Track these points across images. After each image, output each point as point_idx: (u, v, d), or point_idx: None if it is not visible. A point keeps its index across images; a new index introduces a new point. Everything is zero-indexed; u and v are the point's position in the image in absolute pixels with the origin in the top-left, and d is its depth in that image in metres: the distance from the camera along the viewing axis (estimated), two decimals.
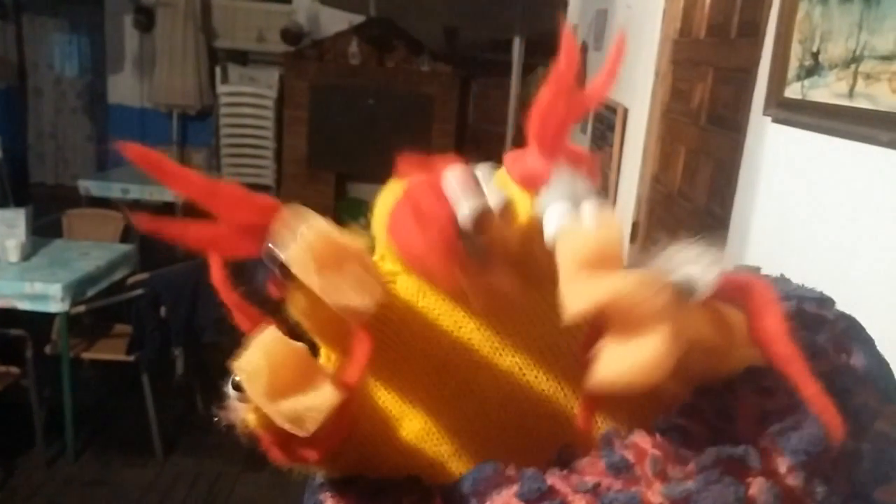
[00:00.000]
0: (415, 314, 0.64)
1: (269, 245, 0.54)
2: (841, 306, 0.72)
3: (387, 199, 0.62)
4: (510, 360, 0.64)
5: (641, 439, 0.56)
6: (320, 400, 0.55)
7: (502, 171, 0.62)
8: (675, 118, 2.27)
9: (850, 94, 1.33)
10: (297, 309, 0.58)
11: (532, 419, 0.62)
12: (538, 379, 0.64)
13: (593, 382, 0.52)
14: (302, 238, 0.53)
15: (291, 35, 6.57)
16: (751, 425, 0.54)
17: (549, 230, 0.55)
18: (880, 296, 1.20)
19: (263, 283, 0.57)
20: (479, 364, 0.64)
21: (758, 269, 0.72)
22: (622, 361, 0.51)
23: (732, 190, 1.81)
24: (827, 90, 1.42)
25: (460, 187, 0.54)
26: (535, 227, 0.57)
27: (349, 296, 0.53)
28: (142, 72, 7.05)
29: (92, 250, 3.50)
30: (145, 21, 6.80)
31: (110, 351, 3.35)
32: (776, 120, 1.61)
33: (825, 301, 0.67)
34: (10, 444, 3.20)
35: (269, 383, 0.54)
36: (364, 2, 5.13)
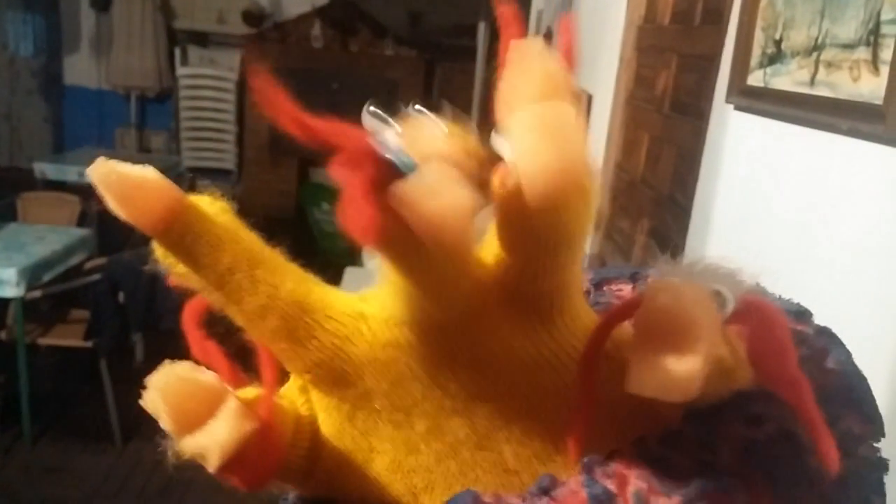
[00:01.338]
0: (378, 348, 0.61)
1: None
2: (801, 292, 0.73)
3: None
4: (487, 406, 0.61)
5: (625, 469, 0.54)
6: (220, 436, 0.52)
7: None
8: (638, 105, 2.29)
9: (812, 82, 1.35)
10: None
11: (511, 458, 0.59)
12: (516, 422, 0.59)
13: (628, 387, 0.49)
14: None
15: (253, 17, 6.47)
16: (737, 456, 0.49)
17: (507, 152, 0.49)
18: (838, 281, 1.22)
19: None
20: (452, 409, 0.61)
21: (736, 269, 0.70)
22: (660, 375, 0.48)
23: (695, 177, 1.82)
24: (789, 78, 1.44)
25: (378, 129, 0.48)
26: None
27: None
28: (99, 52, 6.87)
29: (48, 234, 3.42)
30: (102, 0, 6.63)
31: (68, 337, 3.29)
32: (738, 107, 1.63)
33: (804, 314, 0.63)
34: None
35: (173, 421, 0.52)
36: None
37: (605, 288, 0.68)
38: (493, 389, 0.58)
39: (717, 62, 1.72)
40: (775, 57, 1.48)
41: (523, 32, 0.55)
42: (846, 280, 1.22)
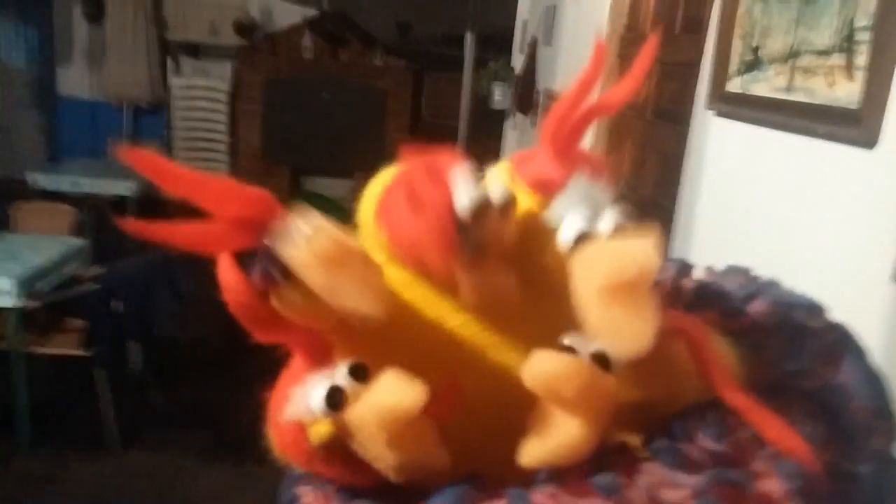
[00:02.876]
0: (397, 306, 0.61)
1: (267, 243, 0.53)
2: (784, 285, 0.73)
3: (376, 188, 0.62)
4: (495, 360, 0.60)
5: (633, 460, 0.53)
6: (407, 399, 0.53)
7: (506, 169, 0.61)
8: (622, 112, 2.34)
9: (789, 88, 1.38)
10: (288, 309, 0.55)
11: (517, 424, 0.59)
12: (523, 381, 0.59)
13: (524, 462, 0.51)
14: (308, 240, 0.51)
15: (244, 28, 6.50)
16: (744, 447, 0.52)
17: (568, 236, 0.53)
18: (817, 279, 1.25)
19: (256, 278, 0.55)
20: (464, 362, 0.61)
21: (748, 271, 0.72)
22: (545, 445, 0.50)
23: (678, 182, 1.86)
24: (767, 84, 1.47)
25: (462, 176, 0.53)
26: (541, 230, 0.55)
27: (355, 299, 0.52)
28: (92, 63, 6.89)
29: (43, 244, 3.43)
30: (95, 11, 6.65)
31: (64, 345, 3.29)
32: (719, 113, 1.66)
33: (815, 309, 0.63)
34: None
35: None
36: None
37: None
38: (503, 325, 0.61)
39: (697, 69, 1.76)
40: (753, 64, 1.52)
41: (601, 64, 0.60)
42: (824, 278, 1.24)
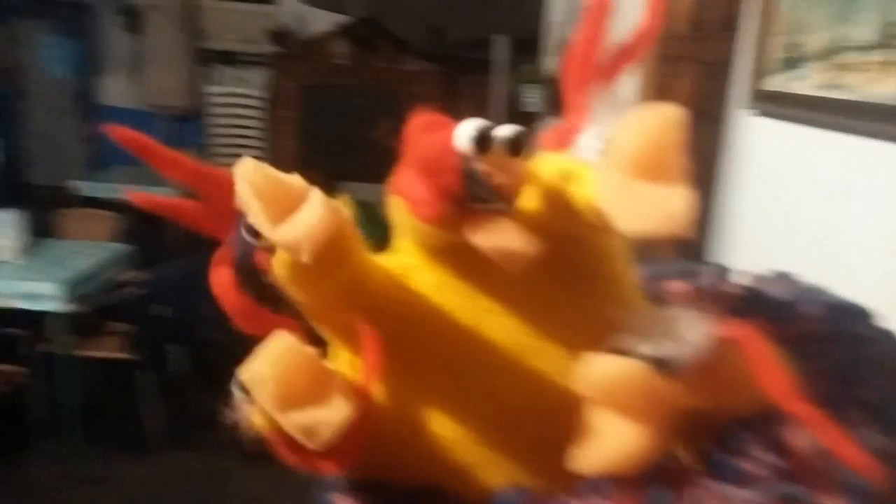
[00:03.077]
0: (431, 311, 0.59)
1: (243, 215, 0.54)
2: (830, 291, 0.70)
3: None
4: (533, 365, 0.59)
5: (688, 473, 0.51)
6: (331, 414, 0.52)
7: (538, 157, 0.58)
8: None
9: (829, 85, 1.35)
10: (290, 282, 0.55)
11: (556, 430, 0.57)
12: (563, 386, 0.58)
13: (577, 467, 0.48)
14: (242, 176, 0.51)
15: (279, 36, 6.59)
16: (804, 461, 0.50)
17: (589, 154, 0.51)
18: (863, 282, 1.22)
19: (247, 259, 0.56)
20: (500, 367, 0.59)
21: (792, 276, 0.69)
22: (602, 452, 0.48)
23: (715, 184, 1.84)
24: (806, 82, 1.45)
25: (464, 122, 0.51)
26: (572, 206, 0.51)
27: (297, 228, 0.49)
28: (132, 73, 7.04)
29: (87, 249, 3.52)
30: (134, 23, 6.79)
31: (108, 349, 3.36)
32: (758, 113, 1.64)
33: (865, 315, 0.61)
34: (10, 442, 3.21)
35: (278, 392, 0.51)
36: (349, 2, 5.16)
37: (656, 284, 0.69)
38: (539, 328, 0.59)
39: (734, 68, 1.74)
40: (792, 61, 1.50)
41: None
42: (870, 281, 1.21)
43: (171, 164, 0.56)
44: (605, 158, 0.47)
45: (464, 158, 0.49)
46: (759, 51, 1.60)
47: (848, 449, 0.46)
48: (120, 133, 0.54)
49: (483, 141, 0.49)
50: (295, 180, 0.53)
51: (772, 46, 1.57)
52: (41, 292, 3.02)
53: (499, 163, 0.50)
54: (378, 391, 0.61)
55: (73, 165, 7.17)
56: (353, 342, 0.58)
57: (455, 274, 0.60)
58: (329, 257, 0.52)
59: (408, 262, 0.61)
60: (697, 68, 2.06)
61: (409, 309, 0.60)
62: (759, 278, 0.70)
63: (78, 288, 3.17)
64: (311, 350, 0.55)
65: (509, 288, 0.59)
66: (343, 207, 0.56)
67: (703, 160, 1.99)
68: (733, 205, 1.76)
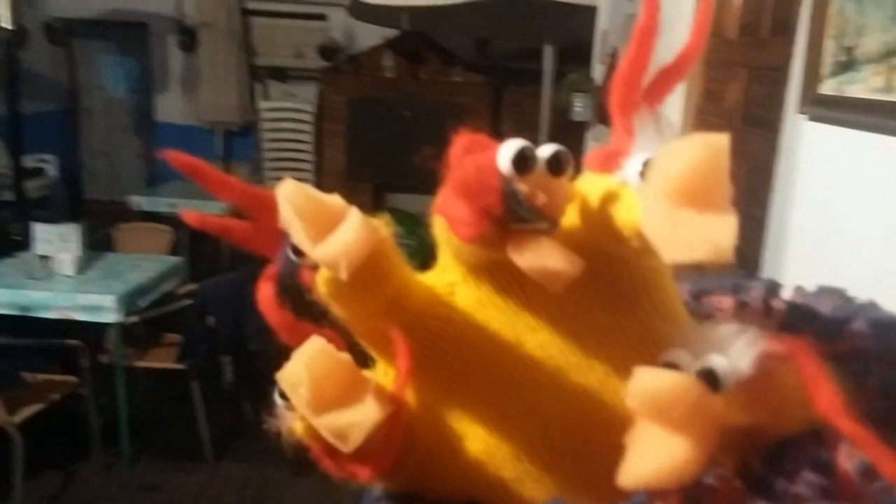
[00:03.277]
0: (473, 327, 0.60)
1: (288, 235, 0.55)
2: (884, 307, 0.68)
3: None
4: (575, 382, 0.59)
5: (730, 490, 0.51)
6: (363, 415, 0.53)
7: (583, 177, 0.58)
8: (707, 120, 2.28)
9: (887, 88, 1.32)
10: (332, 299, 0.56)
11: (598, 447, 0.57)
12: (605, 403, 0.58)
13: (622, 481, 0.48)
14: (284, 196, 0.53)
15: (328, 51, 6.70)
16: (851, 481, 0.49)
17: (634, 172, 0.50)
18: None
19: (292, 276, 0.58)
20: (543, 384, 0.59)
21: (842, 291, 0.67)
22: (648, 466, 0.48)
23: (769, 191, 1.80)
24: (863, 85, 1.41)
25: (506, 143, 0.51)
26: (614, 224, 0.51)
27: (335, 246, 0.51)
28: (187, 90, 7.25)
29: (143, 262, 3.61)
30: (189, 41, 7.00)
31: (162, 359, 3.44)
32: (812, 117, 1.60)
33: None
34: (68, 451, 3.30)
35: (312, 395, 0.52)
36: (397, 16, 5.21)
37: (703, 299, 0.68)
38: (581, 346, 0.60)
39: (787, 73, 1.70)
40: (848, 65, 1.46)
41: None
42: None
43: (221, 186, 0.59)
44: (651, 184, 0.47)
45: (505, 180, 0.50)
46: (813, 54, 1.57)
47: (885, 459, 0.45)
48: (174, 156, 0.57)
49: (524, 162, 0.50)
50: (335, 200, 0.54)
51: (825, 50, 1.53)
52: (98, 304, 3.11)
53: (541, 183, 0.51)
54: (419, 405, 0.62)
55: (131, 181, 7.42)
56: (392, 354, 0.58)
57: (497, 291, 0.60)
58: (367, 274, 0.54)
59: (450, 279, 0.62)
60: (749, 73, 2.02)
61: (451, 326, 0.61)
62: (809, 294, 0.68)
63: (134, 300, 3.25)
64: (344, 355, 0.57)
65: (551, 305, 0.59)
66: (382, 226, 0.57)
67: (756, 167, 1.94)
68: (788, 212, 1.71)
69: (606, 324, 0.59)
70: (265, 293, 0.60)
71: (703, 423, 0.47)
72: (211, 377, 3.49)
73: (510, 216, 0.50)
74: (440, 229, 0.58)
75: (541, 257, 0.50)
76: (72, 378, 3.19)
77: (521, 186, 0.50)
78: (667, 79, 0.56)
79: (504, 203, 0.50)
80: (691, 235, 0.44)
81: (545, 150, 0.51)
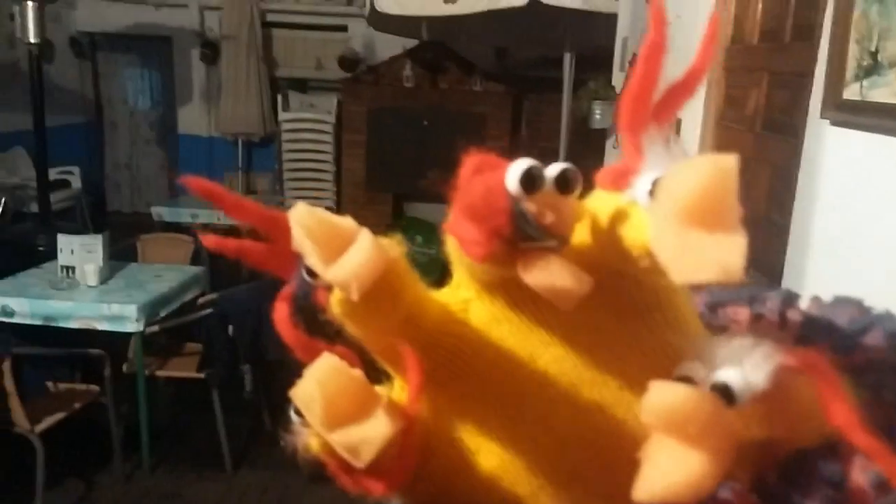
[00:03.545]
0: (488, 344, 0.61)
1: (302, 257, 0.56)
2: None
3: None
4: (589, 397, 0.59)
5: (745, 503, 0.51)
6: (374, 431, 0.54)
7: (595, 195, 0.58)
8: (728, 125, 2.25)
9: None
10: (346, 318, 0.57)
11: (613, 461, 0.57)
12: (619, 418, 0.59)
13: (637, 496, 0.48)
14: (296, 220, 0.54)
15: (348, 62, 6.75)
16: (864, 495, 0.50)
17: (643, 191, 0.51)
18: None
19: (307, 297, 0.59)
20: (557, 399, 0.60)
21: (860, 302, 0.67)
22: (663, 480, 0.48)
23: (791, 196, 1.77)
24: (888, 89, 1.39)
25: (514, 162, 0.52)
26: (624, 241, 0.52)
27: (346, 268, 0.52)
28: (209, 103, 7.33)
29: (165, 273, 3.64)
30: (211, 54, 7.09)
31: (183, 368, 3.46)
32: (835, 122, 1.58)
33: None
34: (89, 459, 3.33)
35: (325, 412, 0.53)
36: (417, 26, 5.23)
37: (719, 311, 0.68)
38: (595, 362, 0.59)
39: (809, 78, 1.68)
40: (872, 69, 1.44)
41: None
42: None
43: (236, 208, 0.61)
44: (660, 204, 0.48)
45: (513, 199, 0.50)
46: (836, 58, 1.54)
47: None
48: (192, 181, 0.59)
49: (532, 181, 0.51)
50: (346, 222, 0.56)
51: (849, 54, 1.51)
52: (121, 314, 3.14)
53: (549, 202, 0.51)
54: (434, 421, 0.63)
55: (153, 192, 7.52)
56: (405, 370, 0.59)
57: (511, 307, 0.61)
58: (380, 294, 0.55)
59: (465, 295, 0.62)
60: (770, 79, 1.99)
61: (466, 343, 0.61)
62: (826, 304, 0.67)
63: (155, 310, 3.28)
64: (356, 371, 0.57)
65: (565, 320, 0.59)
66: (393, 246, 0.58)
67: (778, 172, 1.92)
68: (810, 218, 1.69)
69: (620, 338, 0.59)
70: (281, 313, 0.61)
71: (718, 438, 0.47)
72: (231, 386, 3.50)
73: (519, 235, 0.51)
74: (452, 247, 0.58)
75: (550, 275, 0.51)
76: (94, 387, 3.22)
77: (530, 206, 0.51)
78: (676, 96, 0.56)
79: (513, 223, 0.50)
80: (700, 256, 0.44)
81: (553, 169, 0.52)
